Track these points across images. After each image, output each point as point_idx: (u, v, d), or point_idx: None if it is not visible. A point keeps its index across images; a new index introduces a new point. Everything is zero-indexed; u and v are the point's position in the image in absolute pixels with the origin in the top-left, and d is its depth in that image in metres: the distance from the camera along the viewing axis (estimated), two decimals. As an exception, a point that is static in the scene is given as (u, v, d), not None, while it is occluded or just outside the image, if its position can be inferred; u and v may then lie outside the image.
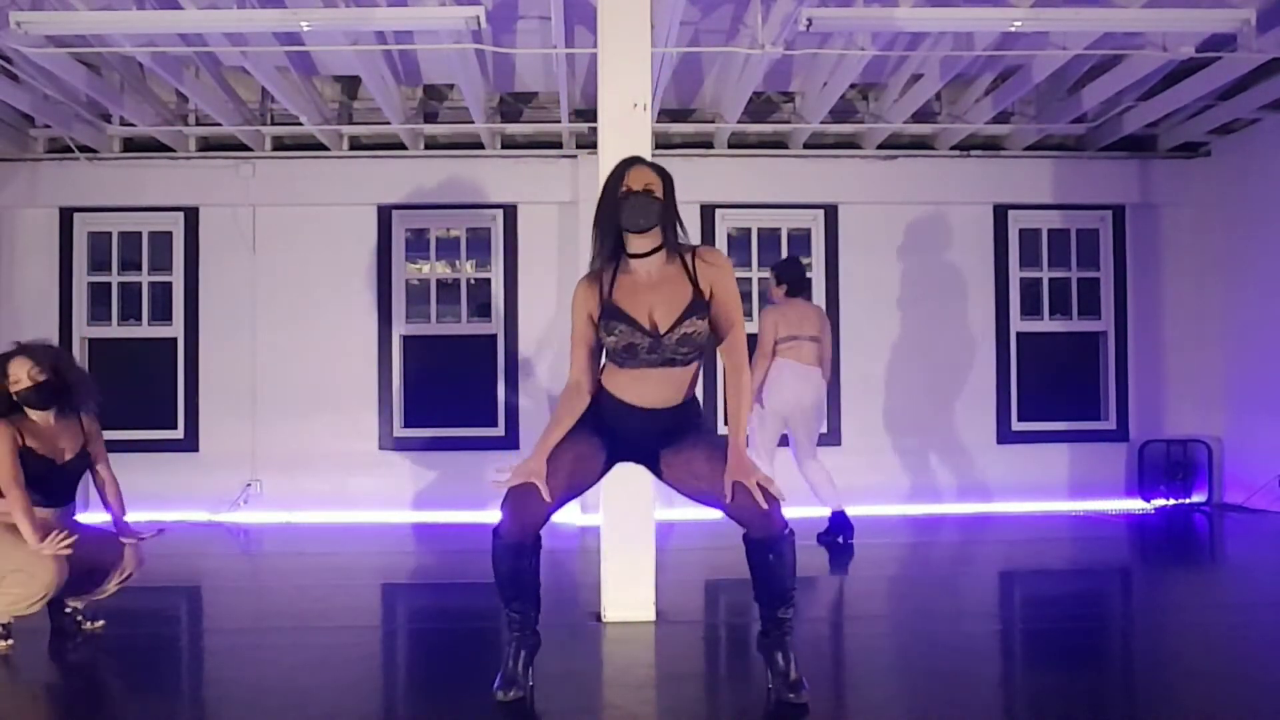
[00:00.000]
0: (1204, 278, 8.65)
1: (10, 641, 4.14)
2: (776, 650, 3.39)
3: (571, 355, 3.43)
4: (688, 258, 3.35)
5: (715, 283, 3.34)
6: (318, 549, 6.92)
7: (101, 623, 4.51)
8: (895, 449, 8.43)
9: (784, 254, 8.48)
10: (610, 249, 3.34)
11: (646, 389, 3.34)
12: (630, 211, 3.27)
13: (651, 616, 4.54)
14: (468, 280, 8.55)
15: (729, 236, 8.53)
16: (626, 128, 4.59)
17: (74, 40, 6.46)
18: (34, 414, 4.35)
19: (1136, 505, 8.45)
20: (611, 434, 3.42)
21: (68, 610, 4.48)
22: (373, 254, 8.37)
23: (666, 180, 3.38)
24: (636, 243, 3.31)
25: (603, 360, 3.45)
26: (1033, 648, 4.44)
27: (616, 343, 3.28)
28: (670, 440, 3.40)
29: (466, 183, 8.35)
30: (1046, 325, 8.71)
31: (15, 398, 4.31)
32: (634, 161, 3.41)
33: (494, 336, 8.43)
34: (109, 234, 8.40)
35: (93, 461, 4.50)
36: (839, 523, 6.63)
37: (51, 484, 4.34)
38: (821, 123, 7.96)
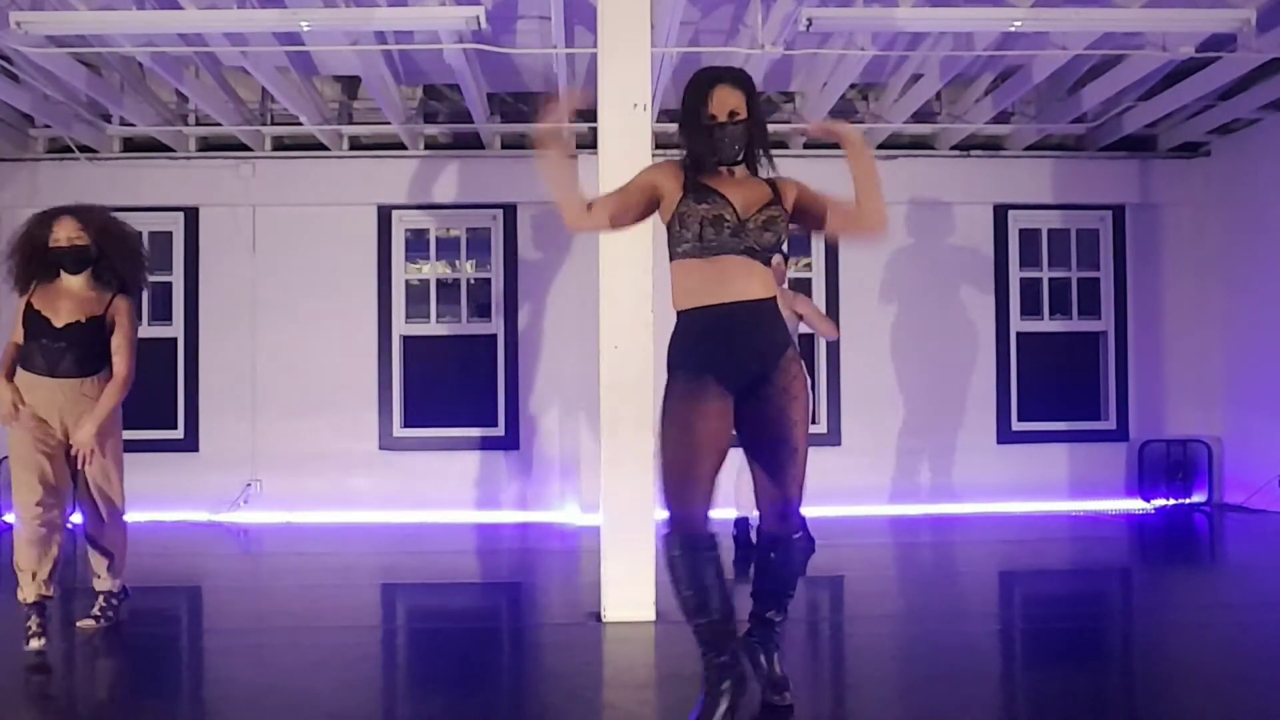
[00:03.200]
0: (1204, 278, 8.64)
1: (44, 640, 4.13)
2: (760, 651, 3.34)
3: (605, 194, 3.31)
4: (770, 183, 3.29)
5: (798, 191, 3.31)
6: (318, 549, 6.93)
7: (92, 621, 4.52)
8: (895, 449, 8.43)
9: (784, 253, 8.46)
10: (704, 163, 3.22)
11: (729, 282, 3.14)
12: (720, 146, 3.18)
13: (651, 616, 4.54)
14: (468, 280, 8.56)
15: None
16: (626, 128, 4.60)
17: (74, 40, 6.46)
18: (66, 277, 4.35)
19: (1136, 505, 8.45)
20: (717, 365, 3.14)
21: (99, 591, 4.53)
22: (373, 254, 8.37)
23: (750, 93, 3.22)
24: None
25: (673, 257, 3.25)
26: (1033, 647, 4.44)
27: (708, 211, 3.12)
28: (766, 370, 3.16)
29: (466, 183, 8.35)
30: (1046, 325, 8.71)
31: (50, 255, 4.31)
32: (716, 79, 3.21)
33: (494, 336, 8.43)
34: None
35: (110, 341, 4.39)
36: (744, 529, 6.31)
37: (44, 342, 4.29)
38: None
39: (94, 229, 4.37)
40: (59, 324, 4.29)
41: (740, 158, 3.23)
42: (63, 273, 4.36)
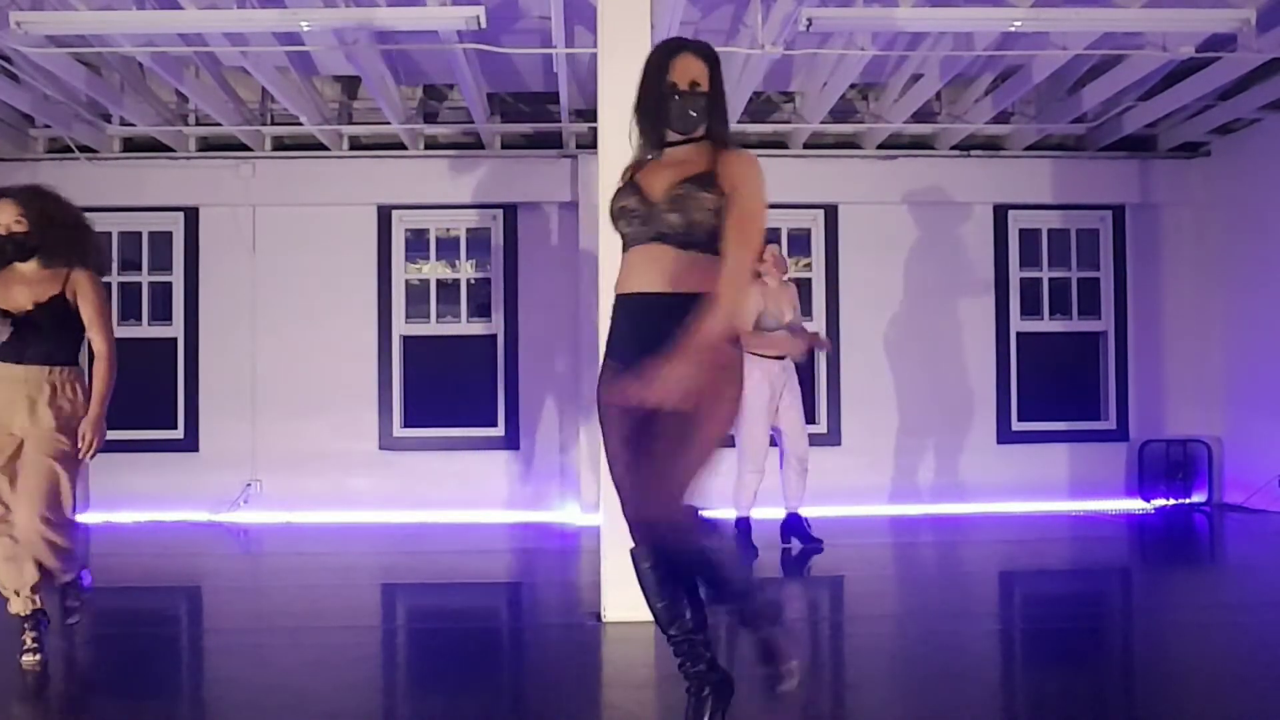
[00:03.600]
0: (1204, 278, 8.64)
1: (38, 657, 3.97)
2: (755, 643, 3.25)
3: None
4: (718, 153, 3.02)
5: (738, 183, 2.95)
6: (318, 549, 6.93)
7: (77, 618, 4.37)
8: (895, 449, 8.42)
9: (785, 254, 8.40)
10: (656, 142, 3.08)
11: (638, 271, 3.00)
12: (678, 115, 3.01)
13: (651, 616, 4.53)
14: (468, 280, 8.56)
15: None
16: (626, 127, 4.59)
17: (74, 40, 6.46)
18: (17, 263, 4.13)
19: (1136, 505, 8.45)
20: (623, 358, 3.00)
21: (67, 587, 4.33)
22: (373, 254, 8.37)
23: (713, 65, 3.05)
24: (679, 137, 3.07)
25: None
26: (1033, 648, 4.44)
27: (616, 204, 3.04)
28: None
29: (466, 183, 8.35)
30: (1046, 325, 8.71)
31: None
32: (677, 48, 3.07)
33: (494, 336, 8.43)
34: (109, 234, 8.37)
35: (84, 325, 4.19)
36: (795, 525, 6.43)
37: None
38: (821, 123, 7.96)
39: (34, 214, 4.14)
40: (16, 311, 4.08)
41: (699, 131, 3.06)
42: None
